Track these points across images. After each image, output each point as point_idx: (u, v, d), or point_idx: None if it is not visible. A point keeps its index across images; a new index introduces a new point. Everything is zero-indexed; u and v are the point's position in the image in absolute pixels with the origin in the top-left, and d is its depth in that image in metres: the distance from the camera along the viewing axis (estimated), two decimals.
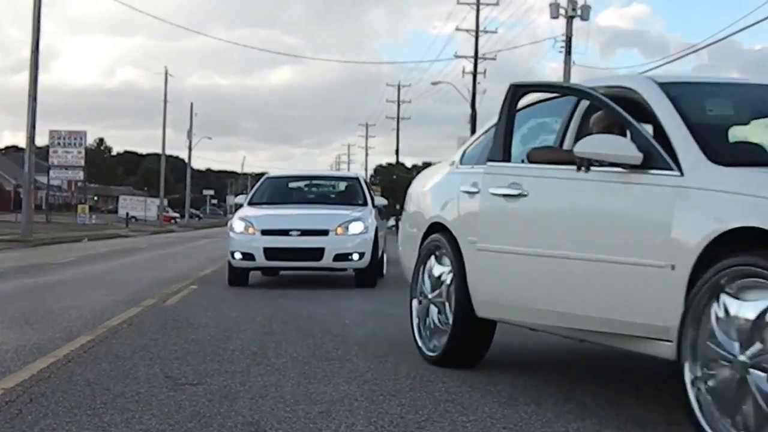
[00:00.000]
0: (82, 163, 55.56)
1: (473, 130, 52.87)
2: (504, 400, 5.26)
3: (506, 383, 5.79)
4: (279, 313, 9.74)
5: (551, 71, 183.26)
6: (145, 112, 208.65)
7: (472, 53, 52.58)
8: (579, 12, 37.01)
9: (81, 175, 57.65)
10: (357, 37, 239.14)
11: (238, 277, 13.45)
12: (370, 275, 13.64)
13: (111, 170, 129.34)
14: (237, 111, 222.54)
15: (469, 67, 52.71)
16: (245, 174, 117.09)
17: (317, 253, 13.23)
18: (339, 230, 13.37)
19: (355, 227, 13.49)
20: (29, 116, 32.71)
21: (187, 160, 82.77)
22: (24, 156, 33.68)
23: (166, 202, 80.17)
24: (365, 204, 14.80)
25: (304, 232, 13.30)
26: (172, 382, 5.64)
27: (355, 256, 13.31)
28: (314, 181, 16.98)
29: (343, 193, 15.84)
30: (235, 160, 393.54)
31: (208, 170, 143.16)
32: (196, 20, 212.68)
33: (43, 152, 56.99)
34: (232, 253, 13.29)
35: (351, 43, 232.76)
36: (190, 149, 79.58)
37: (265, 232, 13.30)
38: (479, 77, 52.42)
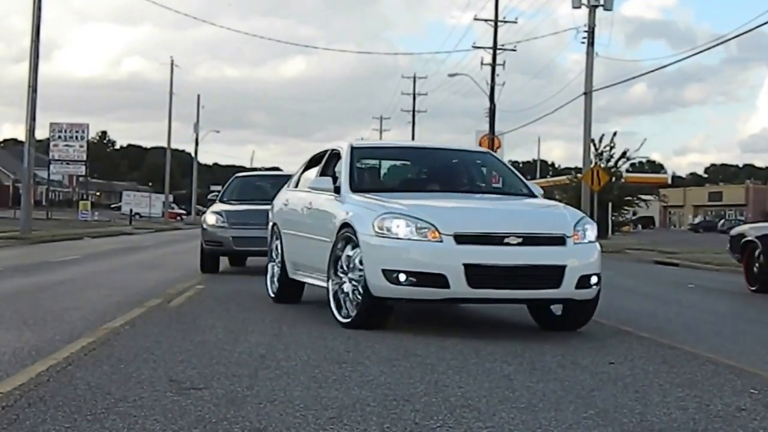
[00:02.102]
0: (84, 157, 55.50)
1: (492, 124, 52.87)
2: (522, 406, 5.18)
3: (525, 388, 5.70)
4: (288, 314, 9.58)
5: (573, 63, 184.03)
6: (150, 104, 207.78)
7: (491, 44, 52.37)
8: (602, 1, 36.75)
9: (83, 169, 57.58)
10: (372, 28, 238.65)
11: (384, 311, 8.39)
12: (591, 309, 8.67)
13: (114, 165, 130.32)
14: (247, 103, 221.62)
15: (488, 58, 52.55)
16: (254, 169, 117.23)
17: (555, 275, 8.09)
18: (576, 237, 8.35)
19: (591, 232, 8.56)
20: (29, 108, 32.26)
21: (193, 155, 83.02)
22: (23, 149, 33.47)
23: (171, 198, 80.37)
24: (532, 193, 9.65)
25: (528, 239, 8.13)
26: (177, 386, 5.54)
27: (594, 280, 8.36)
28: (430, 160, 10.54)
29: (490, 176, 10.61)
30: (244, 154, 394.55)
31: (216, 165, 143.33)
32: (206, 9, 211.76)
33: (44, 146, 57.10)
34: (393, 275, 7.97)
35: (366, 33, 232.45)
36: (196, 143, 79.84)
37: (461, 240, 7.98)
38: (498, 69, 52.19)
